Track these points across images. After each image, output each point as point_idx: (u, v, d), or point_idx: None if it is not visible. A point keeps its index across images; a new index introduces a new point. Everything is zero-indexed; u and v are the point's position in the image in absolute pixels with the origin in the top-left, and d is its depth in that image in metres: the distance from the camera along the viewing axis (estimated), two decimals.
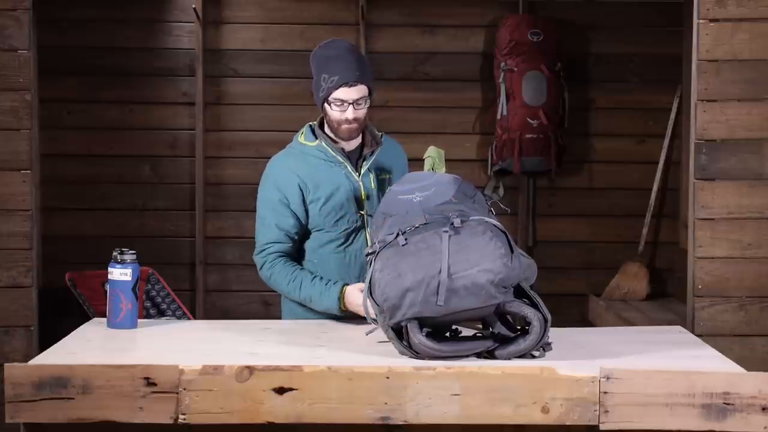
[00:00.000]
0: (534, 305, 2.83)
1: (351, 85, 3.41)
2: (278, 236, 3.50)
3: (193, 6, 6.03)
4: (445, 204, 2.91)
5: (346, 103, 3.42)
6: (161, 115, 6.14)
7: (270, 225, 3.51)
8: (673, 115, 6.17)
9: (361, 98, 3.43)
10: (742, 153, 3.99)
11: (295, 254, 3.53)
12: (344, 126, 3.45)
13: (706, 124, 3.98)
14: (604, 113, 6.24)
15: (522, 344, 2.80)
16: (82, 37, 6.06)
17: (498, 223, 2.87)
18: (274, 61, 6.14)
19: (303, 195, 3.48)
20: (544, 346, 2.85)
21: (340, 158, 3.50)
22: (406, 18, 6.17)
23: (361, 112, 3.45)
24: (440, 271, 2.74)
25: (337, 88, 3.40)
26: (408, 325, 2.79)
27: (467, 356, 2.80)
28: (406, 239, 2.82)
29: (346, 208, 3.46)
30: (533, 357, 2.83)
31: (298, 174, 3.48)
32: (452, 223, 2.81)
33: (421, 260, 2.77)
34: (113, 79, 6.08)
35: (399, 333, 2.83)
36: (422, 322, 2.80)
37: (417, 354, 2.79)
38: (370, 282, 2.84)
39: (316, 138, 3.53)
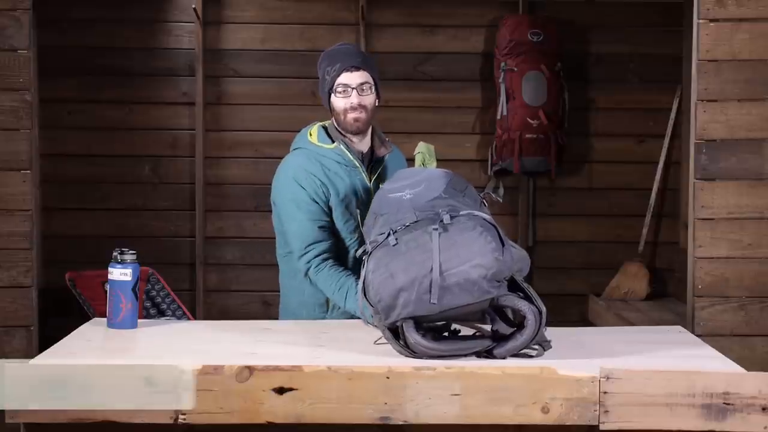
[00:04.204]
0: (528, 298, 2.82)
1: (353, 70, 3.42)
2: (317, 234, 3.40)
3: (193, 6, 6.03)
4: (436, 199, 2.90)
5: (349, 87, 3.42)
6: (161, 115, 6.14)
7: (307, 226, 3.40)
8: (673, 115, 6.17)
9: (364, 83, 3.43)
10: (742, 153, 3.99)
11: (338, 252, 3.44)
12: (350, 115, 3.43)
13: (706, 124, 3.98)
14: (604, 113, 6.24)
15: (519, 339, 2.79)
16: (82, 37, 6.06)
17: (488, 217, 2.86)
18: (274, 61, 6.14)
19: (327, 196, 3.43)
20: (543, 345, 2.85)
21: (356, 162, 3.47)
22: (406, 18, 6.17)
23: (367, 99, 3.44)
24: (431, 270, 2.74)
25: (339, 74, 3.42)
26: (403, 325, 2.79)
27: (465, 355, 2.80)
28: (396, 239, 2.81)
29: (362, 214, 3.39)
30: (531, 357, 2.83)
31: (319, 178, 3.42)
32: (442, 220, 2.80)
33: (412, 259, 2.76)
34: (113, 79, 6.08)
35: (396, 333, 2.83)
36: (418, 321, 2.80)
37: (414, 354, 2.79)
38: (364, 283, 2.84)
39: (332, 140, 3.49)
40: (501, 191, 6.11)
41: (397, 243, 2.80)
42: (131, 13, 6.08)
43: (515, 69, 5.96)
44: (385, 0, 6.14)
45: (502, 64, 5.99)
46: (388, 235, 2.83)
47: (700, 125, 3.98)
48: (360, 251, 2.96)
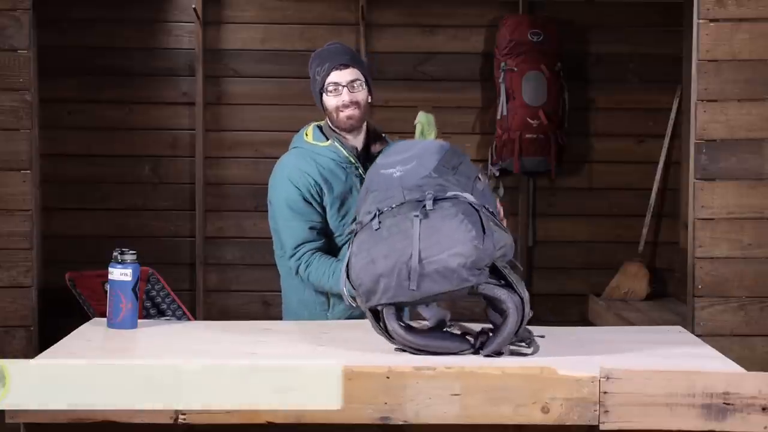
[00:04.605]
0: (509, 285, 2.81)
1: (342, 68, 3.45)
2: (308, 234, 3.43)
3: (193, 6, 6.03)
4: (425, 178, 2.86)
5: (340, 86, 3.44)
6: (161, 115, 6.14)
7: (297, 226, 3.43)
8: (673, 115, 6.18)
9: (354, 80, 3.45)
10: (742, 153, 3.99)
11: (330, 252, 3.46)
12: (343, 113, 3.45)
13: (706, 124, 3.98)
14: (604, 113, 6.24)
15: (504, 332, 2.78)
16: (82, 37, 6.06)
17: (473, 199, 2.83)
18: (274, 61, 6.14)
19: (320, 195, 3.44)
20: (527, 341, 2.85)
21: (352, 159, 3.48)
22: (406, 18, 6.17)
23: (359, 96, 3.46)
24: (411, 257, 2.74)
25: (329, 73, 3.45)
26: (384, 312, 2.81)
27: (441, 353, 2.80)
28: (379, 222, 2.81)
29: None
30: (525, 355, 2.82)
31: (312, 176, 3.44)
32: (424, 205, 2.79)
33: (393, 246, 2.77)
34: (113, 79, 6.08)
35: (377, 315, 2.85)
36: (401, 307, 2.83)
37: (392, 339, 2.83)
38: (347, 264, 2.85)
39: (327, 138, 3.51)
40: (501, 191, 6.11)
41: (379, 228, 2.80)
42: (131, 13, 6.08)
43: (515, 69, 5.96)
44: (385, 0, 6.14)
45: (502, 64, 5.99)
46: (374, 216, 2.83)
47: (700, 125, 3.99)
48: (348, 231, 2.96)
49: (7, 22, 4.10)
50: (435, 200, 2.80)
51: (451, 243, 2.75)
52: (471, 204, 2.81)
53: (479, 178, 2.98)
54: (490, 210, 2.89)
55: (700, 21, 3.97)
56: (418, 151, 2.96)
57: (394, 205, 2.83)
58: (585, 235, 6.26)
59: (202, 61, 6.08)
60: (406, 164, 2.91)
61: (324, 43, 3.69)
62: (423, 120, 3.32)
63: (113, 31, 6.08)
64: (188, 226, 6.16)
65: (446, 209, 2.79)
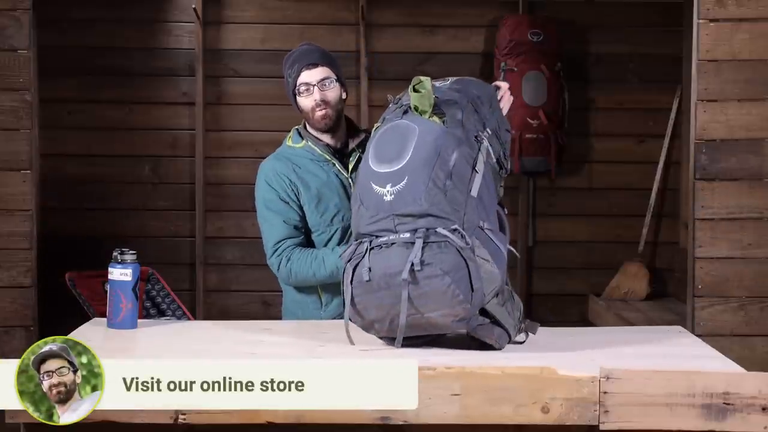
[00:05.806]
0: (496, 322, 2.88)
1: (312, 67, 3.47)
2: (288, 231, 3.48)
3: (193, 6, 6.03)
4: (416, 204, 2.81)
5: (311, 86, 3.47)
6: (161, 115, 6.14)
7: (276, 224, 3.50)
8: (673, 115, 6.18)
9: (325, 79, 3.48)
10: (742, 153, 4.00)
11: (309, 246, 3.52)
12: (317, 112, 3.48)
13: (706, 124, 3.98)
14: (604, 113, 6.24)
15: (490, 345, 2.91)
16: (82, 37, 6.06)
17: (463, 243, 2.77)
18: (274, 61, 6.11)
19: (297, 195, 3.50)
20: (529, 329, 2.96)
21: (327, 156, 3.52)
22: (406, 18, 6.18)
23: (330, 94, 3.48)
24: (400, 314, 2.80)
25: (299, 74, 3.48)
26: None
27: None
28: (370, 270, 2.82)
29: (339, 205, 3.48)
30: (520, 343, 2.92)
31: (288, 177, 3.50)
32: (412, 264, 2.76)
33: (382, 300, 2.82)
34: (113, 79, 6.08)
35: None
36: None
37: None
38: (343, 292, 2.90)
39: (303, 140, 3.56)
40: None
41: (369, 280, 2.82)
42: (131, 13, 6.08)
43: (515, 69, 5.96)
44: (385, 0, 6.14)
45: (502, 64, 5.99)
46: (365, 252, 2.83)
47: (700, 125, 3.99)
48: (341, 255, 2.96)
49: (7, 22, 4.10)
50: (425, 243, 2.77)
51: (440, 306, 2.79)
52: (459, 251, 2.77)
53: (476, 171, 2.93)
54: (487, 227, 2.87)
55: (700, 21, 3.97)
56: (409, 164, 2.85)
57: (383, 245, 2.82)
58: (585, 235, 6.26)
59: (202, 61, 6.08)
60: (396, 183, 2.84)
61: (324, 43, 3.71)
62: (416, 102, 3.26)
63: (113, 31, 6.08)
64: (188, 226, 6.16)
65: (434, 267, 2.76)
